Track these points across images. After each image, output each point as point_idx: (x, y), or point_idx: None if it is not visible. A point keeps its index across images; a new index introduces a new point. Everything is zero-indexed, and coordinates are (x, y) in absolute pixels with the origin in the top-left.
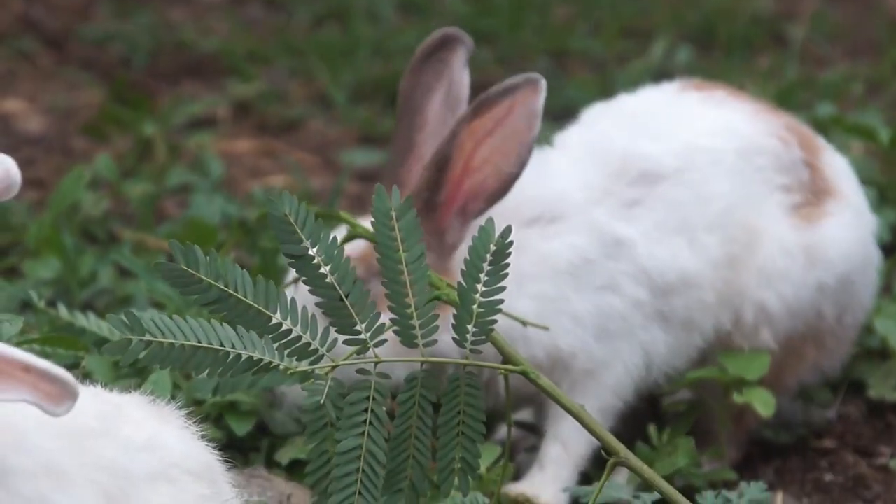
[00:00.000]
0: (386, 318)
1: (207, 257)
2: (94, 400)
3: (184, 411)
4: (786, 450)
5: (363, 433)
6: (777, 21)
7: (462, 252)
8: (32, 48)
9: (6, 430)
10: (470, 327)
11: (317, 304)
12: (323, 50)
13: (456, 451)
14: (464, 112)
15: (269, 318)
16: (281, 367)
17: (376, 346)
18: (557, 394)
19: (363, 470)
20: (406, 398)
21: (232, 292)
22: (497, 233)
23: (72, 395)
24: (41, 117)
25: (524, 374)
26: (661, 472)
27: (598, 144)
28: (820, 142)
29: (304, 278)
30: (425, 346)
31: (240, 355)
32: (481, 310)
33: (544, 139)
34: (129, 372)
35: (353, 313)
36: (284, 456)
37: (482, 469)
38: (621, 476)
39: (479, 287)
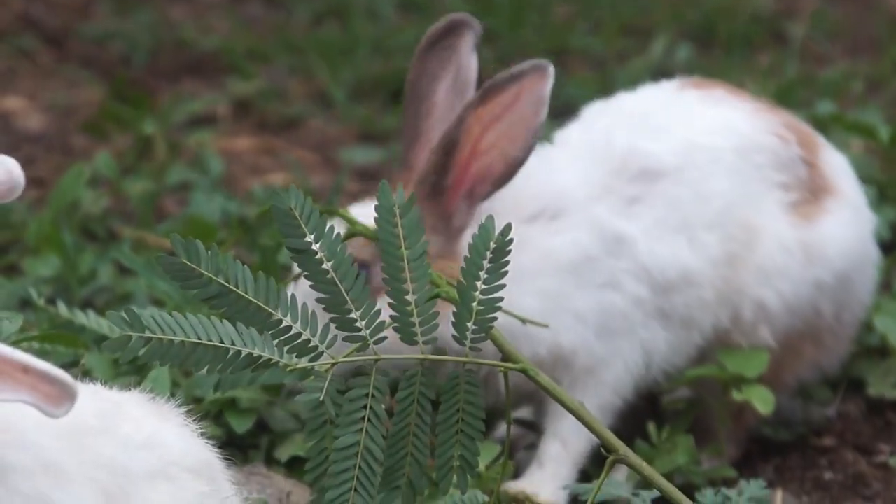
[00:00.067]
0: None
1: (209, 252)
2: (93, 398)
3: (183, 409)
4: (785, 448)
5: (361, 430)
6: (777, 19)
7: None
8: (32, 46)
9: (5, 428)
10: (470, 325)
11: (317, 300)
12: (323, 48)
13: (455, 448)
14: (471, 98)
15: (270, 315)
16: (281, 363)
17: (376, 343)
18: (557, 391)
19: (360, 467)
20: (405, 395)
21: (233, 288)
22: (501, 229)
23: (71, 397)
24: (41, 115)
25: (524, 371)
26: (661, 469)
27: (599, 142)
28: (819, 139)
29: (305, 273)
30: (425, 343)
31: (239, 352)
32: (481, 307)
33: (545, 137)
34: (129, 370)
35: (354, 309)
36: (284, 453)
37: (481, 467)
38: (621, 474)
39: (479, 285)
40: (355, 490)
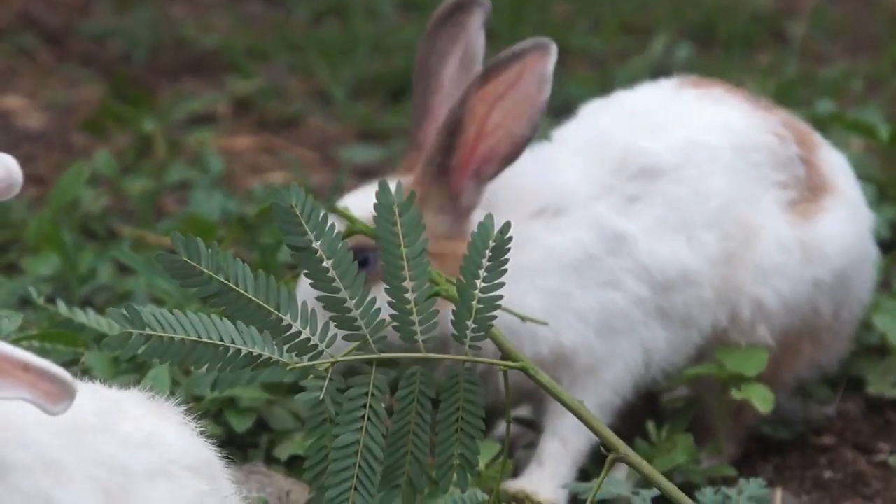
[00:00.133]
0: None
1: (209, 250)
2: (93, 396)
3: (183, 407)
4: (785, 446)
5: (361, 428)
6: (777, 18)
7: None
8: (32, 45)
9: (5, 426)
10: (469, 323)
11: (317, 298)
12: (322, 46)
13: (455, 447)
14: (474, 77)
15: (270, 313)
16: (281, 362)
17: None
18: (557, 390)
19: (360, 465)
20: (405, 394)
21: (232, 286)
22: (500, 227)
23: (70, 394)
24: (41, 114)
25: (523, 370)
26: (660, 468)
27: (598, 140)
28: (816, 138)
29: (305, 271)
30: (425, 342)
31: (239, 350)
32: (480, 306)
33: (543, 135)
34: (129, 368)
35: (354, 308)
36: (284, 452)
37: (481, 465)
38: (620, 472)
39: (479, 283)
40: (355, 489)
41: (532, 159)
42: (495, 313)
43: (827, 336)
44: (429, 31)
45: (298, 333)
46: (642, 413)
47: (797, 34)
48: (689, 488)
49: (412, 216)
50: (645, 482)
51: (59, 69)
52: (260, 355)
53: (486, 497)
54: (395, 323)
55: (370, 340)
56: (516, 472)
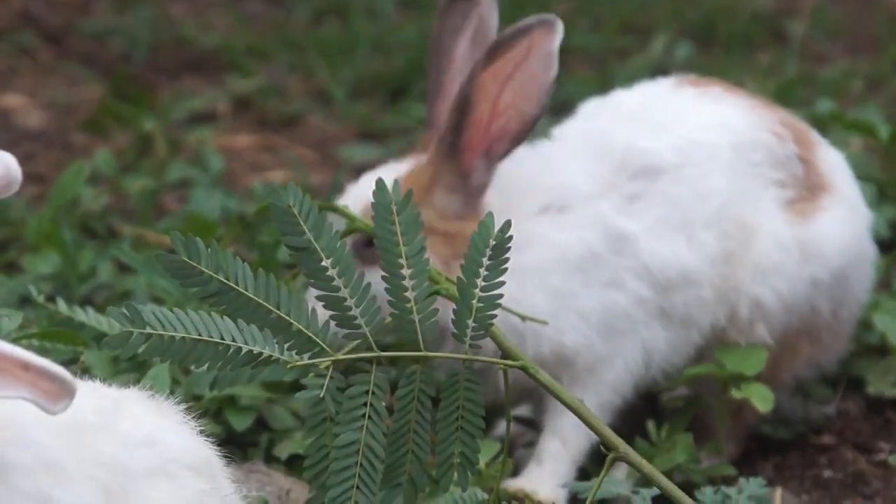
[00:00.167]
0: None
1: (209, 249)
2: (92, 395)
3: (183, 406)
4: (785, 446)
5: (362, 427)
6: (777, 17)
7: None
8: (32, 43)
9: (5, 425)
10: (469, 322)
11: (317, 298)
12: (322, 46)
13: (455, 445)
14: (480, 56)
15: (270, 312)
16: (281, 360)
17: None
18: (557, 389)
19: (361, 464)
20: (405, 393)
21: (232, 285)
22: (514, 221)
23: (69, 394)
24: (41, 112)
25: (523, 369)
26: (660, 467)
27: (598, 138)
28: (815, 137)
29: (305, 271)
30: (424, 341)
31: (240, 348)
32: (481, 304)
33: (543, 133)
34: (128, 367)
35: (354, 307)
36: (283, 451)
37: (481, 464)
38: (620, 472)
39: (479, 282)
40: (357, 488)
41: (535, 156)
42: (495, 312)
43: (826, 335)
44: (440, 9)
45: (299, 332)
46: (642, 412)
47: (797, 34)
48: (688, 487)
49: (410, 214)
50: (645, 481)
51: (59, 68)
52: (260, 353)
53: (486, 496)
54: (394, 323)
55: (370, 339)
56: (516, 471)
